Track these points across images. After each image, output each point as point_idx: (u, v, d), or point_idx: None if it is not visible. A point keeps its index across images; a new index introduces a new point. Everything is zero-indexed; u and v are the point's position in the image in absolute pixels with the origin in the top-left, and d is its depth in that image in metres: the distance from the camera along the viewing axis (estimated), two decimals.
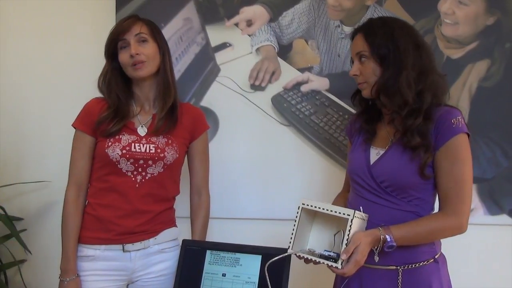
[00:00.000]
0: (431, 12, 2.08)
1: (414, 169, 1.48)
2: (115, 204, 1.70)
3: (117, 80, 1.75)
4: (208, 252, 1.65)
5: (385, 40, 1.50)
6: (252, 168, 2.16)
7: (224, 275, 1.61)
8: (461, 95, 2.07)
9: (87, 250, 1.70)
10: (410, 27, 1.56)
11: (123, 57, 1.71)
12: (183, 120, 1.78)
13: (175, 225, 1.82)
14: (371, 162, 1.56)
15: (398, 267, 1.50)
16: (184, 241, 1.70)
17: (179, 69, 2.16)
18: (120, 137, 1.70)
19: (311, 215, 1.52)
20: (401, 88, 1.47)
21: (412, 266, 1.50)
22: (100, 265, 1.70)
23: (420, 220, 1.49)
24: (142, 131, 1.73)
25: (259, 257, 1.58)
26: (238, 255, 1.61)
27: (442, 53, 2.08)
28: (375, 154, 1.57)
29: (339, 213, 1.41)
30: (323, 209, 1.44)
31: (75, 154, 1.74)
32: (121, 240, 1.69)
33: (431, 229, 1.47)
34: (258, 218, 2.10)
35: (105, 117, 1.70)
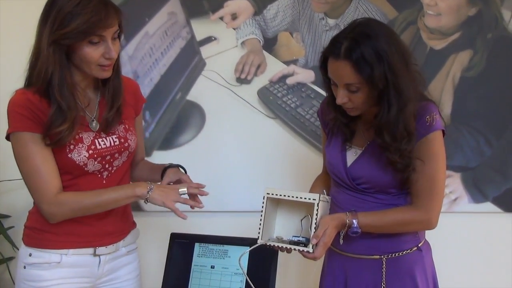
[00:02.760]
0: (414, 4, 2.09)
1: (393, 172, 1.46)
2: None
3: (72, 81, 1.46)
4: (196, 244, 1.66)
5: (382, 68, 1.35)
6: (239, 161, 2.17)
7: (212, 267, 1.62)
8: (444, 85, 2.10)
9: (51, 256, 1.49)
10: (388, 32, 1.43)
11: (94, 54, 1.42)
12: (126, 98, 1.59)
13: (136, 225, 1.70)
14: (348, 164, 1.53)
15: (382, 256, 1.51)
16: (172, 234, 1.70)
17: (164, 63, 2.16)
18: (80, 136, 1.48)
19: (275, 203, 1.52)
20: (405, 120, 1.39)
21: (395, 255, 1.51)
22: (64, 272, 1.50)
23: (389, 211, 1.49)
24: (95, 126, 1.52)
25: (247, 249, 1.59)
26: (226, 247, 1.63)
27: (425, 44, 2.09)
28: (352, 153, 1.54)
29: (305, 198, 1.43)
30: (288, 196, 1.45)
31: (35, 158, 1.43)
32: (92, 242, 1.54)
33: (397, 220, 1.48)
34: (245, 210, 2.11)
35: (65, 129, 1.42)
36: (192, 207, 1.55)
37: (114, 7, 1.45)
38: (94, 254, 1.54)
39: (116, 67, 1.52)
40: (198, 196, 1.57)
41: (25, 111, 1.42)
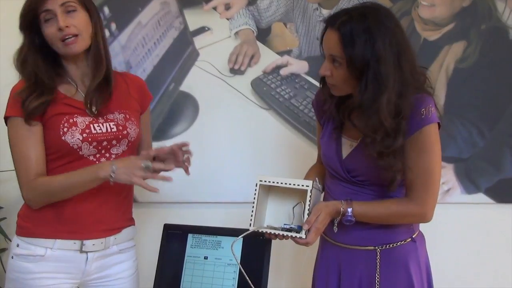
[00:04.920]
0: None
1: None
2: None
3: (35, 57, 1.50)
4: (189, 235, 1.66)
5: (365, 52, 1.35)
6: (232, 152, 2.16)
7: (206, 258, 1.62)
8: (438, 76, 2.10)
9: (36, 248, 1.50)
10: (393, 26, 1.40)
11: (50, 30, 1.47)
12: (131, 92, 1.65)
13: (134, 223, 1.70)
14: (344, 156, 1.53)
15: (376, 248, 1.52)
16: (165, 225, 1.70)
17: (157, 54, 2.15)
18: (75, 119, 1.51)
19: (266, 192, 1.52)
20: (380, 111, 1.36)
21: (390, 246, 1.52)
22: (49, 266, 1.51)
23: (384, 202, 1.49)
24: (88, 110, 1.54)
25: (240, 240, 1.59)
26: (219, 238, 1.62)
27: (419, 35, 2.09)
28: (348, 146, 1.54)
29: (298, 185, 1.42)
30: (281, 183, 1.44)
31: (21, 144, 1.48)
32: (78, 234, 1.52)
33: (392, 212, 1.48)
34: (239, 201, 2.11)
35: (23, 92, 1.48)
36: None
37: None
38: (81, 251, 1.53)
39: (94, 40, 1.53)
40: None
41: (16, 99, 1.49)
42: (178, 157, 1.55)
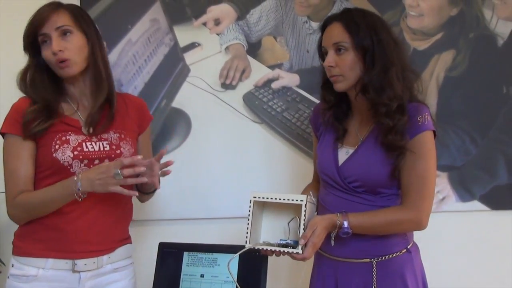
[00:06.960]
0: (396, 5, 2.10)
1: (384, 170, 1.48)
2: (67, 210, 1.50)
3: (42, 78, 1.54)
4: (185, 253, 1.64)
5: (369, 32, 1.45)
6: (226, 167, 2.15)
7: (202, 276, 1.60)
8: (428, 85, 2.10)
9: (29, 269, 1.50)
10: (387, 26, 1.53)
11: (46, 54, 1.50)
12: (129, 112, 1.65)
13: (131, 242, 1.69)
14: (340, 163, 1.55)
15: (372, 260, 1.51)
16: (160, 244, 1.69)
17: (148, 71, 2.15)
18: (68, 137, 1.52)
19: (260, 207, 1.52)
20: (392, 82, 1.44)
21: (385, 257, 1.52)
22: (43, 286, 1.50)
23: (379, 211, 1.50)
24: (86, 130, 1.56)
25: (236, 257, 1.58)
26: (215, 255, 1.61)
27: (409, 45, 2.10)
28: (344, 153, 1.56)
29: (292, 200, 1.42)
30: (275, 199, 1.44)
31: (12, 162, 1.50)
32: (70, 254, 1.51)
33: (388, 221, 1.49)
34: (234, 217, 2.10)
35: (31, 113, 1.49)
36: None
37: (59, 4, 1.53)
38: (73, 270, 1.52)
39: (92, 61, 1.55)
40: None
41: (13, 115, 1.52)
42: (154, 171, 1.50)
